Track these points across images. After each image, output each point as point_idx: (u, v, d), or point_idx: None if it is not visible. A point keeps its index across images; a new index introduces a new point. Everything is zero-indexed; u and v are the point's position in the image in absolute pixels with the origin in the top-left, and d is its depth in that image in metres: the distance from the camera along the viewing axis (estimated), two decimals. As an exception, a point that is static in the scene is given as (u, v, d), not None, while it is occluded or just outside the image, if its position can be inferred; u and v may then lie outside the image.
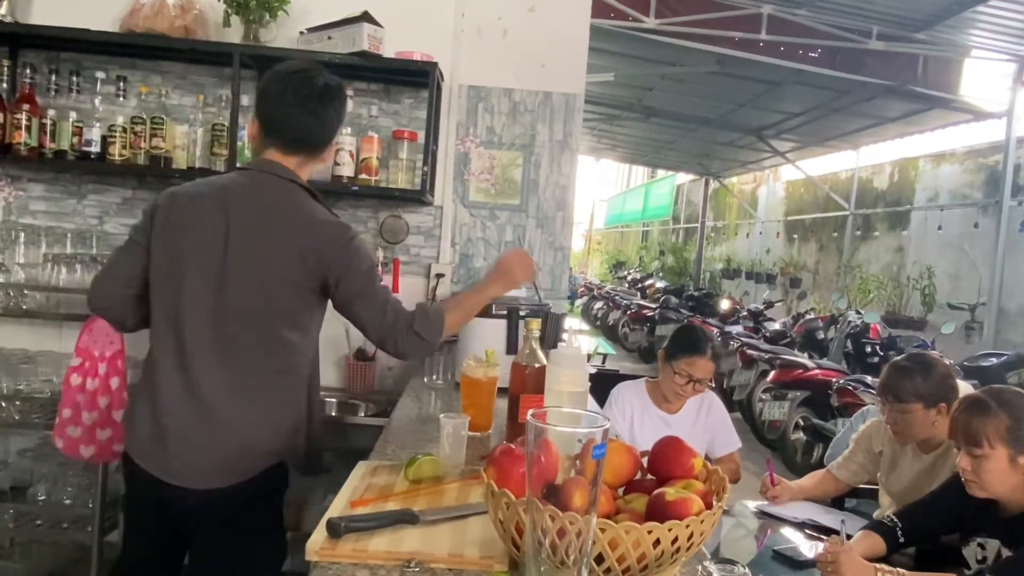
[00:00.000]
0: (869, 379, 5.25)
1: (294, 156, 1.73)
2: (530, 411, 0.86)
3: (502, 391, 1.75)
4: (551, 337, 2.43)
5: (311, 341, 1.75)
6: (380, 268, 2.84)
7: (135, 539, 1.79)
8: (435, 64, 2.65)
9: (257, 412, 1.65)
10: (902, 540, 1.97)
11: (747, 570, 0.86)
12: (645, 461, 1.23)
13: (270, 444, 1.67)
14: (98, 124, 2.66)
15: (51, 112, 2.66)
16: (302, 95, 1.69)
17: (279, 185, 1.71)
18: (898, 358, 2.31)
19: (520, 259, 1.94)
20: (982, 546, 1.90)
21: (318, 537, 1.10)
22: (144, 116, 2.66)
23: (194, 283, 1.63)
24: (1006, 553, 1.81)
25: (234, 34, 2.71)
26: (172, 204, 1.71)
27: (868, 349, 6.67)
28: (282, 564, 1.81)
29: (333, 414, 2.83)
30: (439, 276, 2.91)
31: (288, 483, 1.77)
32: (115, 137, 2.63)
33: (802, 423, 5.42)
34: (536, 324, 1.64)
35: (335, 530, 1.10)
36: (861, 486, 2.52)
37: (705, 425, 2.62)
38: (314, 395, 1.79)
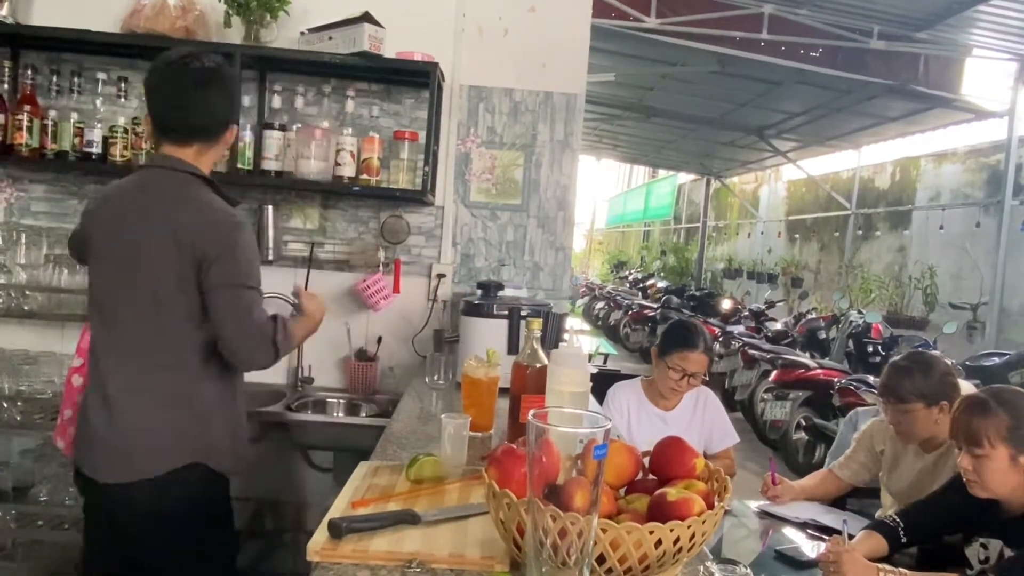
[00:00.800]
0: (871, 379, 5.24)
1: (189, 146, 1.72)
2: (531, 411, 0.86)
3: (503, 391, 1.75)
4: (552, 337, 2.43)
5: (203, 332, 1.68)
6: (380, 269, 2.84)
7: (90, 548, 1.81)
8: (436, 64, 2.65)
9: (149, 408, 1.65)
10: (904, 540, 1.97)
11: (749, 570, 0.86)
12: (646, 461, 1.22)
13: (172, 442, 1.65)
14: (99, 125, 2.66)
15: (52, 113, 2.67)
16: (181, 84, 1.68)
17: (169, 177, 1.71)
18: (897, 358, 2.30)
19: (317, 304, 1.95)
20: (984, 546, 1.90)
21: (319, 537, 1.10)
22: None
23: (97, 285, 1.73)
24: (1008, 553, 1.81)
25: (235, 35, 2.71)
26: (87, 211, 1.81)
27: (870, 349, 6.66)
28: (229, 566, 1.83)
29: (339, 415, 2.83)
30: (440, 276, 2.91)
31: (224, 485, 1.76)
32: (116, 138, 2.64)
33: (804, 423, 5.42)
34: (537, 324, 1.64)
35: (336, 531, 1.10)
36: (863, 486, 2.52)
37: (702, 421, 2.63)
38: (221, 391, 1.73)
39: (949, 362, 2.33)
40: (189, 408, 1.67)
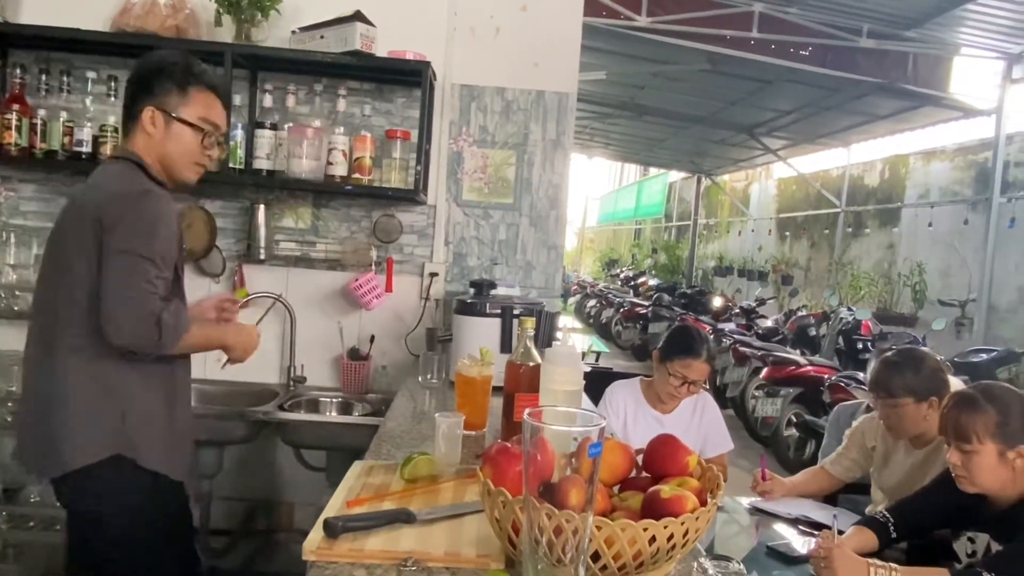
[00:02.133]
0: (861, 375, 5.28)
1: (128, 137, 1.76)
2: (527, 410, 0.87)
3: (496, 390, 1.76)
4: (545, 336, 2.43)
5: None
6: (373, 268, 2.84)
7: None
8: (428, 63, 2.65)
9: (64, 396, 1.60)
10: (894, 535, 1.99)
11: (742, 566, 0.87)
12: (640, 459, 1.23)
13: (90, 431, 1.60)
14: (89, 124, 2.64)
15: (41, 112, 2.65)
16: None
17: (107, 163, 1.79)
18: (888, 353, 2.31)
19: (252, 340, 1.87)
20: (972, 540, 1.92)
21: (315, 537, 1.11)
22: (136, 116, 2.65)
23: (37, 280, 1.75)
24: (996, 547, 1.83)
25: (226, 33, 2.71)
26: None
27: (860, 345, 6.71)
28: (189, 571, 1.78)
29: (332, 414, 2.83)
30: (433, 275, 2.92)
31: (174, 492, 1.69)
32: (106, 137, 2.62)
33: (795, 419, 5.45)
34: (530, 323, 1.64)
35: (332, 530, 1.10)
36: (855, 482, 2.54)
37: (699, 426, 2.61)
38: (142, 378, 1.64)
39: (939, 358, 2.35)
40: (104, 395, 1.61)
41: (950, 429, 1.82)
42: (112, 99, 2.73)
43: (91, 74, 2.73)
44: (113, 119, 2.65)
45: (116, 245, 1.55)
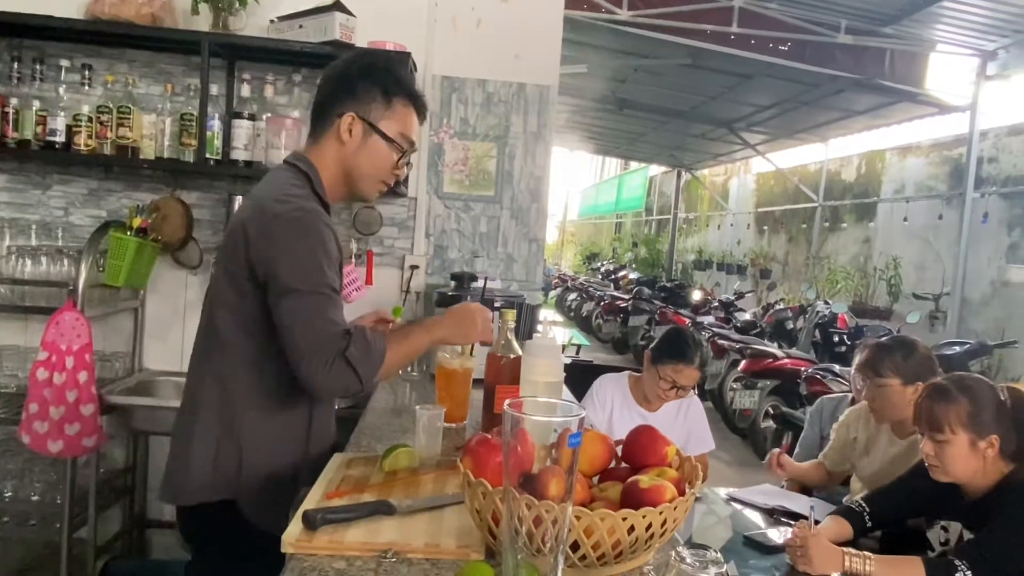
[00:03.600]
0: (837, 368, 5.36)
1: (313, 137, 1.59)
2: (507, 401, 0.87)
3: (477, 382, 1.76)
4: (526, 328, 2.44)
5: (255, 344, 1.46)
6: (353, 260, 2.82)
7: None
8: (408, 54, 2.63)
9: (186, 424, 1.50)
10: (869, 525, 2.02)
11: (720, 555, 0.88)
12: (619, 450, 1.24)
13: (200, 468, 1.46)
14: (63, 113, 2.60)
15: (14, 101, 2.60)
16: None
17: (272, 169, 1.64)
18: (881, 338, 2.40)
19: (484, 317, 1.67)
20: (945, 528, 1.96)
21: (294, 529, 1.10)
22: (110, 105, 2.61)
23: None
24: (967, 535, 1.87)
25: (203, 22, 2.67)
26: None
27: (836, 338, 6.80)
28: None
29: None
30: (413, 268, 2.91)
31: (261, 539, 1.30)
32: (80, 127, 2.58)
33: (772, 411, 5.51)
34: (511, 315, 1.65)
35: (311, 522, 1.10)
36: (847, 474, 2.58)
37: (683, 424, 2.63)
38: (262, 420, 1.48)
39: (930, 348, 2.41)
40: (229, 434, 1.49)
41: (924, 419, 1.85)
42: (86, 88, 2.69)
43: (65, 62, 2.69)
44: (87, 108, 2.60)
45: (283, 285, 1.37)
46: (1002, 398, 1.84)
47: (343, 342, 1.35)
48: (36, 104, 2.59)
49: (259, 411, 1.48)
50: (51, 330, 2.33)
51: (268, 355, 1.44)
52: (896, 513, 2.06)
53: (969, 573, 1.68)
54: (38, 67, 2.68)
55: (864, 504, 2.05)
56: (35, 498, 2.56)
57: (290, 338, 1.35)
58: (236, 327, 1.47)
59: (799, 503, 2.31)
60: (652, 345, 2.60)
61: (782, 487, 2.62)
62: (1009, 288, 6.67)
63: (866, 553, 1.79)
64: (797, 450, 2.91)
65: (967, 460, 1.81)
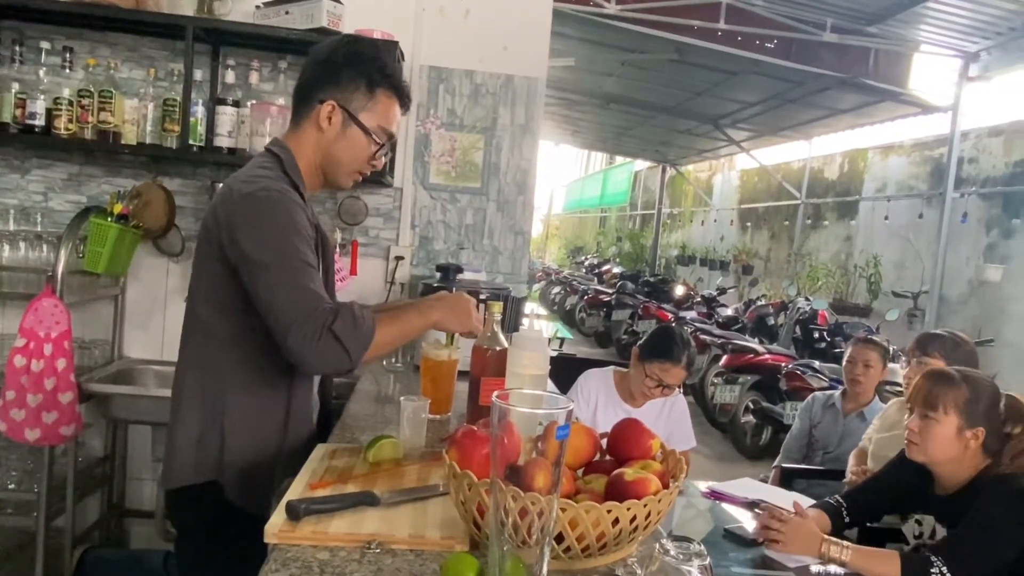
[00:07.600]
0: (817, 363, 5.42)
1: (294, 120, 1.58)
2: (495, 392, 0.87)
3: (462, 374, 1.76)
4: (511, 321, 2.44)
5: (233, 326, 1.46)
6: (337, 250, 2.80)
7: None
8: (396, 43, 2.61)
9: (174, 409, 1.52)
10: (847, 519, 2.05)
11: (702, 547, 0.89)
12: (604, 443, 1.24)
13: (185, 450, 1.48)
14: (43, 96, 2.55)
15: (-8, 83, 2.55)
16: None
17: (253, 157, 1.63)
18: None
19: (471, 309, 1.63)
20: (919, 523, 1.99)
21: (277, 519, 1.09)
22: (92, 89, 2.56)
23: None
24: (940, 528, 1.90)
25: (187, 6, 2.63)
26: None
27: (816, 335, 6.88)
28: None
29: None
30: (398, 259, 2.89)
31: (244, 522, 1.35)
32: (61, 110, 2.53)
33: (752, 406, 5.57)
34: (497, 307, 1.64)
35: (295, 513, 1.09)
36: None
37: (667, 422, 2.65)
38: (242, 401, 1.49)
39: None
40: (212, 419, 1.50)
41: (919, 396, 1.88)
42: (67, 71, 2.64)
43: (45, 44, 2.63)
44: (68, 91, 2.56)
45: (255, 260, 1.35)
46: (1001, 400, 1.87)
47: (329, 315, 1.32)
48: (15, 87, 2.54)
49: (240, 392, 1.49)
50: (29, 316, 2.30)
51: (246, 336, 1.46)
52: (872, 508, 2.10)
53: (944, 569, 1.70)
54: (18, 49, 2.62)
55: (842, 500, 2.08)
56: (11, 487, 2.53)
57: (271, 314, 1.33)
58: (213, 310, 1.48)
59: (779, 497, 2.33)
60: (641, 342, 2.61)
61: (763, 479, 2.65)
62: (986, 287, 6.77)
63: (845, 542, 1.82)
64: (785, 442, 2.94)
65: (949, 444, 1.83)
